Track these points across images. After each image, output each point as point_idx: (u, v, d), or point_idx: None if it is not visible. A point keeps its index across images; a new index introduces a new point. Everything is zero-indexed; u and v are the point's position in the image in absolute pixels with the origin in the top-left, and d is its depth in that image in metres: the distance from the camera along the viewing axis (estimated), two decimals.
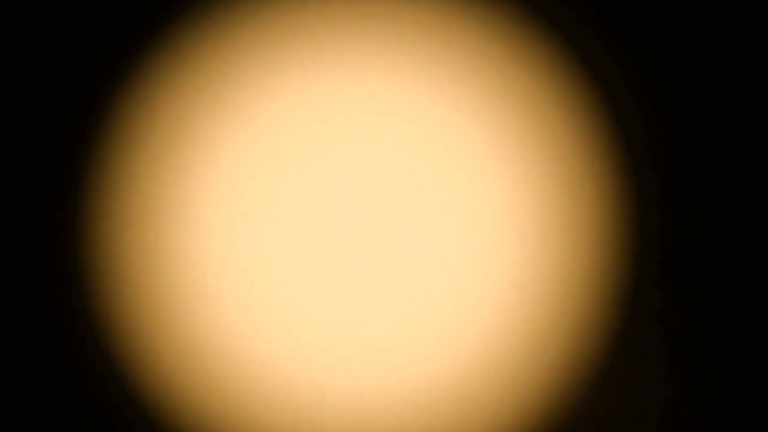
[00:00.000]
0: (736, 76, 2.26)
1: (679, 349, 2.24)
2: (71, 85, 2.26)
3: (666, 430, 2.23)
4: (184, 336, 2.24)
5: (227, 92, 2.26)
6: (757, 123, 2.26)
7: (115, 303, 2.24)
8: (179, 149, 2.25)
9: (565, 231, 2.24)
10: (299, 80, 2.26)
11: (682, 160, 2.26)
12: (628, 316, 2.25)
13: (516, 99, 2.26)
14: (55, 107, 2.26)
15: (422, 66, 2.26)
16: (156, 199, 2.25)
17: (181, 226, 2.24)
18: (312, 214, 2.25)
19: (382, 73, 2.26)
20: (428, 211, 2.25)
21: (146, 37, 2.26)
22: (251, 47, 2.26)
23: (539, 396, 2.24)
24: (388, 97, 2.26)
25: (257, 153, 2.25)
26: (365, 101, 2.26)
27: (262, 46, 2.26)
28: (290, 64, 2.25)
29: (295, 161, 2.25)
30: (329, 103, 2.26)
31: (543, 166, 2.25)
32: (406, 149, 2.26)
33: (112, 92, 2.25)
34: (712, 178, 2.25)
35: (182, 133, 2.25)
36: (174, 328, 2.24)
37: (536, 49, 2.26)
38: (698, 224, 2.26)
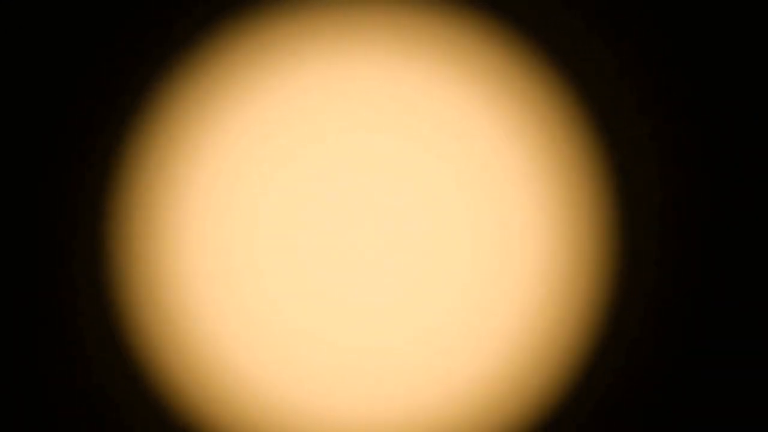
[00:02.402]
0: (737, 75, 2.27)
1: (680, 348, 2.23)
2: (71, 85, 2.28)
3: None
4: (183, 340, 2.24)
5: (226, 93, 2.27)
6: (760, 123, 2.26)
7: (116, 304, 2.24)
8: (178, 152, 2.26)
9: (571, 231, 2.24)
10: (302, 80, 2.27)
11: (680, 154, 2.25)
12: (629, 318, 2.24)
13: (521, 98, 2.27)
14: (57, 109, 2.27)
15: (422, 66, 2.27)
16: (153, 201, 2.25)
17: (178, 229, 2.25)
18: (316, 216, 2.25)
19: (385, 73, 2.27)
20: (437, 213, 2.25)
21: (151, 38, 2.28)
22: (251, 46, 2.28)
23: (550, 399, 2.22)
24: (391, 97, 2.27)
25: (259, 154, 2.26)
26: (369, 101, 2.27)
27: (261, 45, 2.28)
28: (292, 64, 2.26)
29: (298, 162, 2.26)
30: (333, 103, 2.27)
31: (549, 166, 2.25)
32: (409, 150, 2.26)
33: (114, 95, 2.27)
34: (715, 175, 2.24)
35: (180, 136, 2.26)
36: (172, 331, 2.23)
37: (534, 52, 2.27)
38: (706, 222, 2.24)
